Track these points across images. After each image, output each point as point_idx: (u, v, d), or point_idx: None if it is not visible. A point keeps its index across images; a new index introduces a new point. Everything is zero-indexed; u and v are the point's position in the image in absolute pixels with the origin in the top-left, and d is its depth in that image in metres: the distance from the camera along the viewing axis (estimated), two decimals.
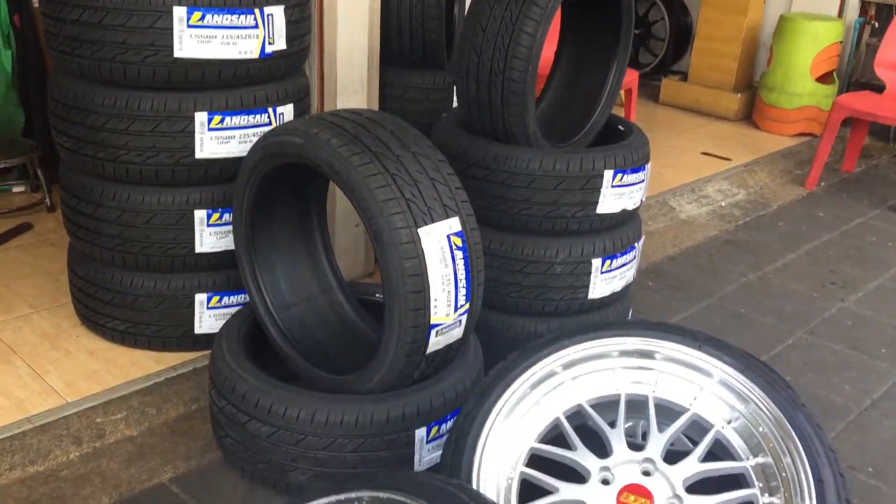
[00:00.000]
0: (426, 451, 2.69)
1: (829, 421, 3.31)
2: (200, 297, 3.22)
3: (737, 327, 4.02)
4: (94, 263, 3.23)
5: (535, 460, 2.29)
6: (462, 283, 2.61)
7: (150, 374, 3.18)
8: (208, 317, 3.25)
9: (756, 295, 4.36)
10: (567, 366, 2.35)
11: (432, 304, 2.53)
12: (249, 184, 2.84)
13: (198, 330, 3.26)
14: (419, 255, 2.49)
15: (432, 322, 2.57)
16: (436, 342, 2.63)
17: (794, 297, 4.34)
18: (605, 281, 3.30)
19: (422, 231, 2.51)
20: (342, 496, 1.75)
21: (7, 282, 3.73)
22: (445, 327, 2.62)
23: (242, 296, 3.25)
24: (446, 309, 2.59)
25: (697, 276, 4.55)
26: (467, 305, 2.66)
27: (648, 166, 3.36)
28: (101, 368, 3.19)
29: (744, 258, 4.78)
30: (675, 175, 5.71)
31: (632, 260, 3.43)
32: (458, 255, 2.60)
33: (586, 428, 2.35)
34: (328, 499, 1.77)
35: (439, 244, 2.54)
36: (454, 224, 2.61)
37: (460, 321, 2.66)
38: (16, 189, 4.50)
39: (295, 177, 2.92)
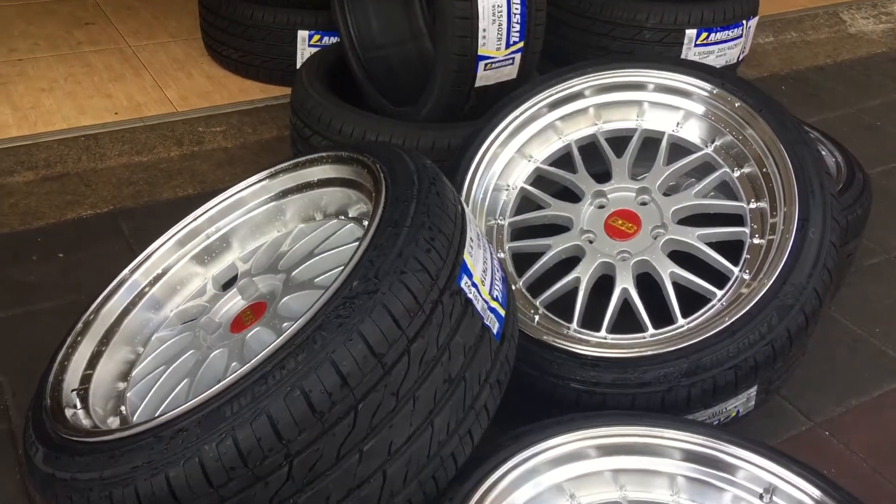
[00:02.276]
0: None
1: None
2: (302, 34, 3.44)
3: (863, 136, 3.74)
4: None
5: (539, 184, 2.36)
6: (516, 18, 2.63)
7: (253, 99, 3.48)
8: (309, 54, 3.47)
9: None
10: (597, 91, 2.32)
11: (480, 33, 2.58)
12: None
13: (299, 65, 3.49)
14: None
15: (480, 53, 2.62)
16: (484, 76, 2.69)
17: None
18: (698, 56, 3.18)
19: None
20: (311, 155, 1.94)
21: (157, 14, 4.13)
22: (496, 62, 2.67)
23: None
24: (496, 43, 2.63)
25: (842, 88, 4.21)
26: (521, 44, 2.68)
27: None
28: (214, 90, 3.53)
29: None
30: None
31: (736, 38, 3.26)
32: None
33: (605, 174, 2.35)
34: (300, 158, 1.97)
35: None
36: None
37: (512, 60, 2.69)
38: None
39: None
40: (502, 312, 1.70)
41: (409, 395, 1.47)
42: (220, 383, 1.41)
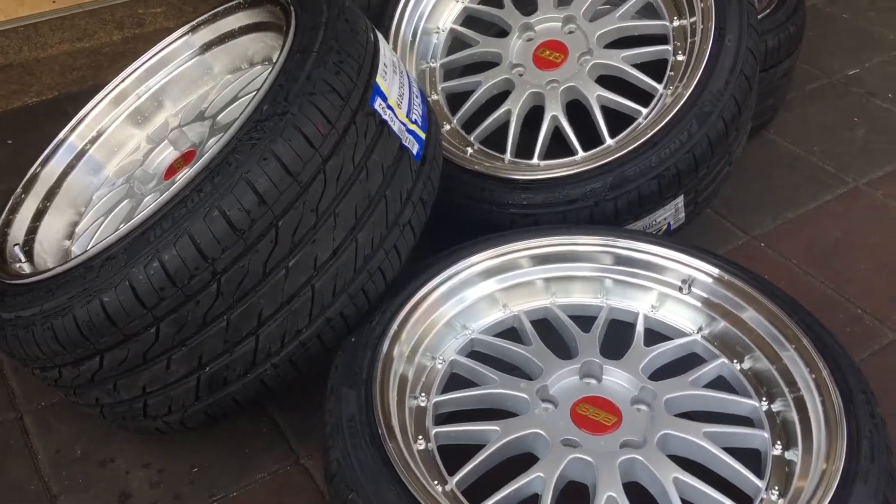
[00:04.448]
0: None
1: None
2: None
3: None
4: None
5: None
6: None
7: None
8: None
9: None
10: None
11: None
12: None
13: None
14: None
15: None
16: None
17: None
18: None
19: None
20: (228, 4, 1.95)
21: None
22: None
23: None
24: None
25: None
26: None
27: None
28: None
29: None
30: None
31: None
32: None
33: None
34: (217, 8, 1.98)
35: None
36: None
37: None
38: None
39: None
40: (422, 135, 1.75)
41: (330, 212, 1.53)
42: (143, 213, 1.47)
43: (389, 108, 1.66)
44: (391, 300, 1.67)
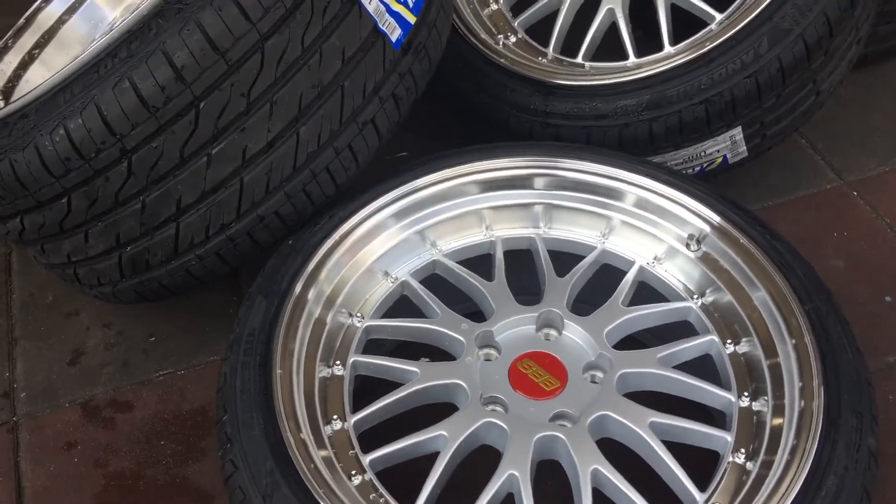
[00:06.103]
0: None
1: None
2: None
3: None
4: None
5: None
6: None
7: None
8: None
9: None
10: None
11: None
12: None
13: None
14: None
15: None
16: None
17: None
18: None
19: None
20: None
21: None
22: None
23: None
24: None
25: None
26: None
27: None
28: None
29: None
30: None
31: None
32: None
33: None
34: None
35: None
36: None
37: None
38: None
39: None
40: (411, 19, 1.50)
41: (266, 99, 1.35)
42: (61, 71, 1.34)
43: None
44: (344, 205, 1.49)
